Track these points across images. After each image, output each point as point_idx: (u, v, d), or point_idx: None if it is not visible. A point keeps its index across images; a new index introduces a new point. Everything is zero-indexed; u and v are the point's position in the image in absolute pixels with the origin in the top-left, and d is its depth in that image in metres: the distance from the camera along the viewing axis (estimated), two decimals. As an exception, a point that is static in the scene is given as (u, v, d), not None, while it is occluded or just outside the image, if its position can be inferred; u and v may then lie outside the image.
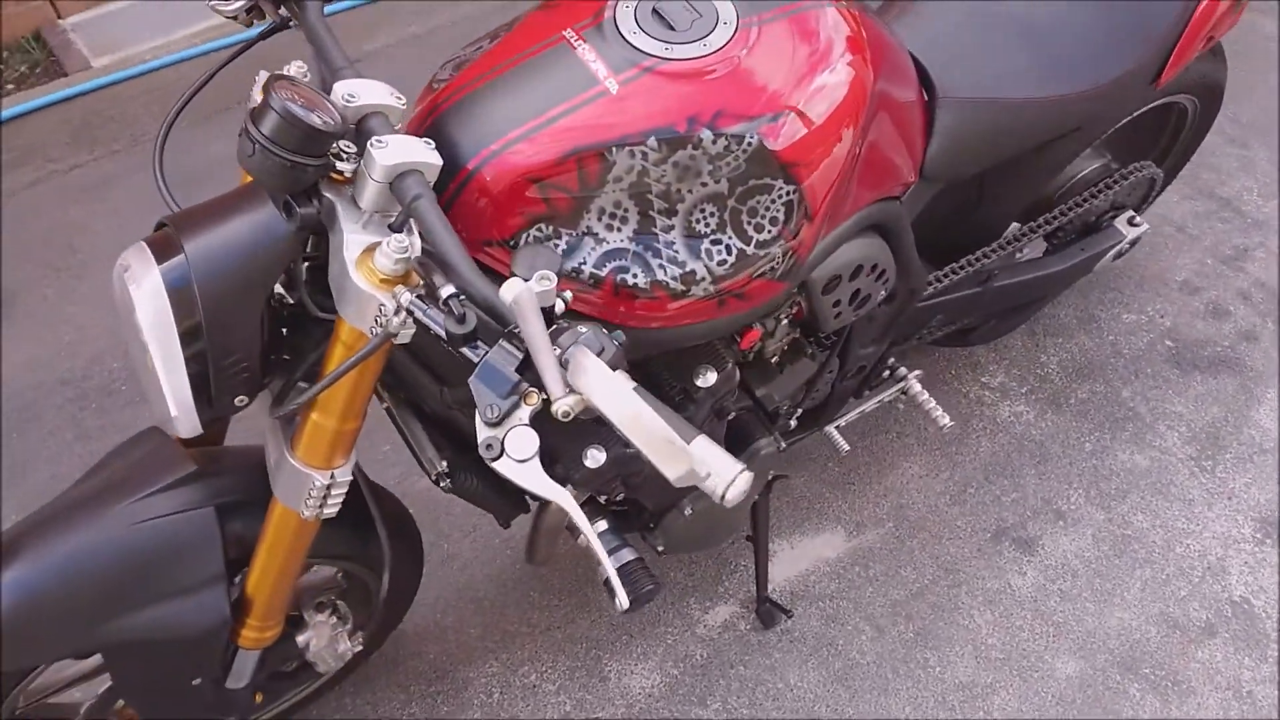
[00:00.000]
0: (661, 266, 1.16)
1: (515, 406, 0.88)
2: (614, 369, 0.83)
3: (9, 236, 2.80)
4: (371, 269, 0.99)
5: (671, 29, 1.16)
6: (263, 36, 1.22)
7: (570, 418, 0.83)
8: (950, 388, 2.36)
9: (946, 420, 1.95)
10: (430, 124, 1.15)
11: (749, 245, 1.19)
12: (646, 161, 1.12)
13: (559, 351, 0.84)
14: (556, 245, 1.13)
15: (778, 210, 1.19)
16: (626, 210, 1.14)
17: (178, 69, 3.32)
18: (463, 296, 0.90)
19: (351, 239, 1.00)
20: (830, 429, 1.92)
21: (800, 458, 2.24)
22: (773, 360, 1.60)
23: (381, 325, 0.99)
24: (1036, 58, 1.59)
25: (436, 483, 1.32)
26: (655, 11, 1.18)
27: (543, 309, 0.85)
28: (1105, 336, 2.46)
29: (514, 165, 1.10)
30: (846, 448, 1.95)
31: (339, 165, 1.01)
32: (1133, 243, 2.14)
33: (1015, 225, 2.03)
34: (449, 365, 1.23)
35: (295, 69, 1.08)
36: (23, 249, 2.74)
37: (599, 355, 0.84)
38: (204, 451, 1.34)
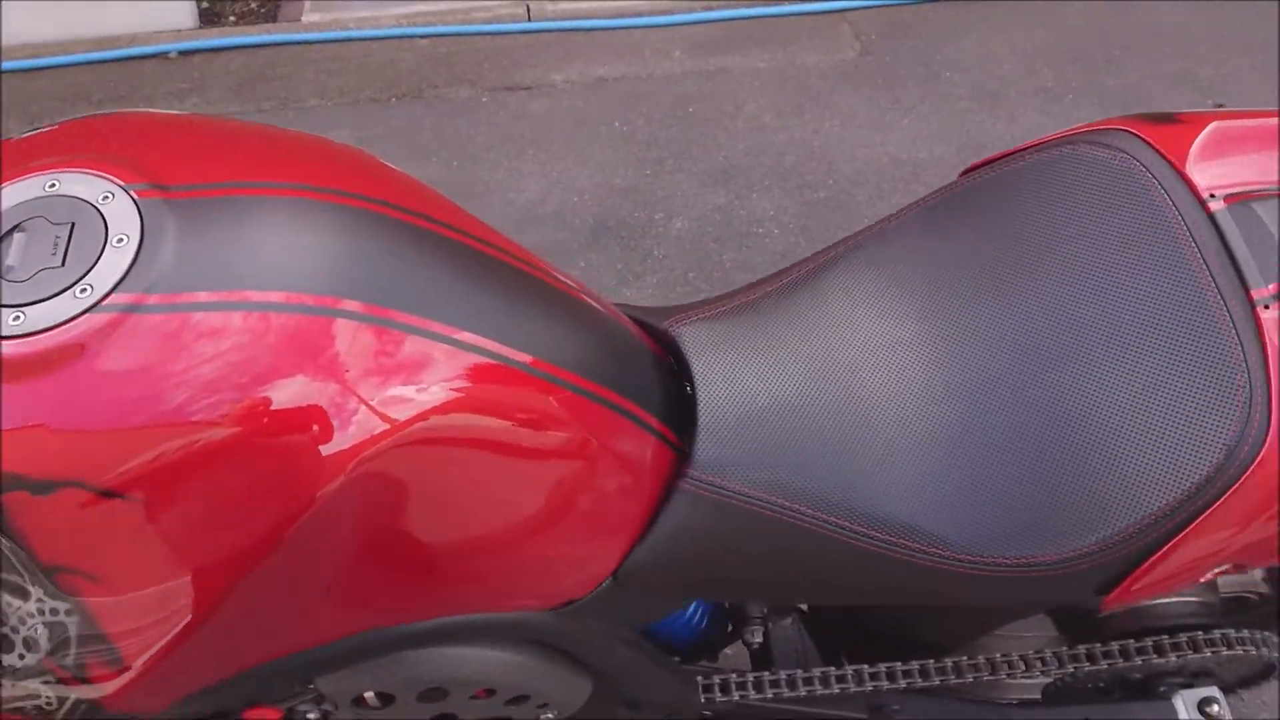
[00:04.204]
0: None
1: None
2: None
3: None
4: None
5: (6, 271, 0.69)
6: None
7: None
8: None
9: None
10: None
11: (-17, 659, 0.70)
12: None
13: None
14: None
15: (34, 630, 0.68)
16: None
17: (365, 45, 3.21)
18: None
19: None
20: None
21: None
22: None
23: None
24: (884, 481, 0.88)
25: None
26: (18, 230, 0.71)
27: None
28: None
29: None
30: None
31: None
32: (1197, 738, 1.30)
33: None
34: None
35: None
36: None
37: None
38: None
